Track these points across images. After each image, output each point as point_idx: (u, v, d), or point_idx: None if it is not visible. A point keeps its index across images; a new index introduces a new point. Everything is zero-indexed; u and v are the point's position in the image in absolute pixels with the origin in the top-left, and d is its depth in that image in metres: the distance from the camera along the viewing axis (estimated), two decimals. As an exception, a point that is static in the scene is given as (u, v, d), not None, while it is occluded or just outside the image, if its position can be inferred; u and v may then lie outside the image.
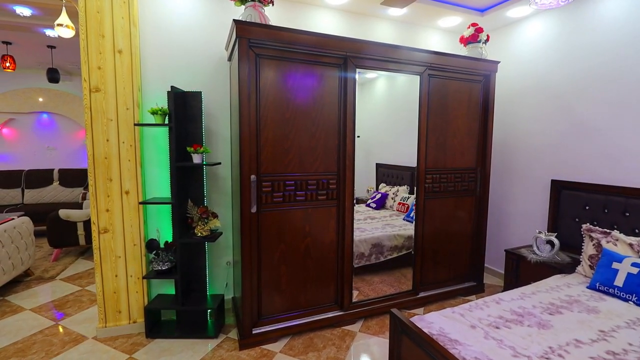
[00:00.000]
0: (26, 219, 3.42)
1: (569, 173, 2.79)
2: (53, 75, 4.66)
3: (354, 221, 3.70)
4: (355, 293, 2.86)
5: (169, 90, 2.21)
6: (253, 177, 2.11)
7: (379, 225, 3.47)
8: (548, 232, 2.80)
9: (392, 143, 3.86)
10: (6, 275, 2.98)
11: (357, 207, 4.07)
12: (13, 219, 3.24)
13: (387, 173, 4.05)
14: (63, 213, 3.75)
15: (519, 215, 3.24)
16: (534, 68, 3.04)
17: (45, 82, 4.94)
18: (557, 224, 2.83)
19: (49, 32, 3.58)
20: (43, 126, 6.01)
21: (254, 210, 2.13)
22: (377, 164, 4.19)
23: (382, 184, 4.10)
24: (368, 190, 4.38)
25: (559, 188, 2.83)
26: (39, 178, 5.31)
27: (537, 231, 2.76)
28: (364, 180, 4.24)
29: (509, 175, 3.32)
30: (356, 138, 4.16)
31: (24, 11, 3.12)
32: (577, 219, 2.69)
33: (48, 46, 4.42)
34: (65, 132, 6.13)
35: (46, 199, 5.26)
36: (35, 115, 5.95)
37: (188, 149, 2.25)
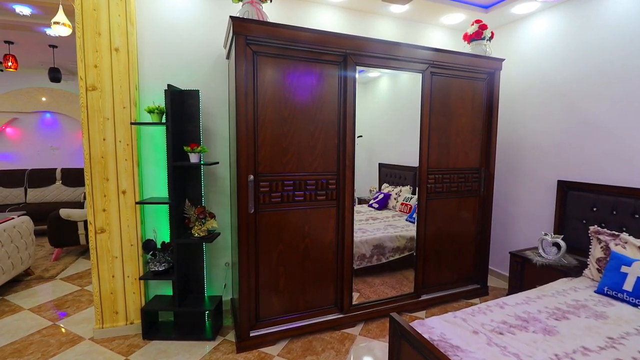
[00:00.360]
0: (26, 218, 3.42)
1: (575, 173, 2.71)
2: (55, 75, 4.66)
3: (356, 222, 3.64)
4: (355, 295, 2.82)
5: (166, 88, 2.18)
6: (251, 177, 2.07)
7: (381, 226, 3.43)
8: (554, 234, 2.73)
9: (395, 143, 3.82)
10: (5, 275, 2.98)
11: (359, 208, 4.06)
12: (13, 218, 3.24)
13: (390, 173, 4.01)
14: (64, 212, 3.75)
15: (524, 217, 3.17)
16: (539, 66, 2.97)
17: (48, 81, 4.95)
18: (564, 226, 2.76)
19: (49, 32, 3.57)
20: (46, 126, 6.03)
21: (251, 210, 2.09)
22: (379, 163, 4.15)
23: (385, 184, 4.06)
24: (370, 191, 4.34)
25: (565, 189, 2.76)
26: (42, 177, 5.33)
27: (543, 233, 2.70)
28: (366, 180, 4.20)
29: (513, 175, 3.25)
30: (358, 138, 4.12)
31: (23, 10, 3.11)
32: (584, 221, 2.61)
33: (50, 45, 4.43)
34: (68, 131, 6.15)
35: (49, 199, 5.27)
36: (39, 114, 5.97)
37: (185, 148, 2.22)
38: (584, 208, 2.62)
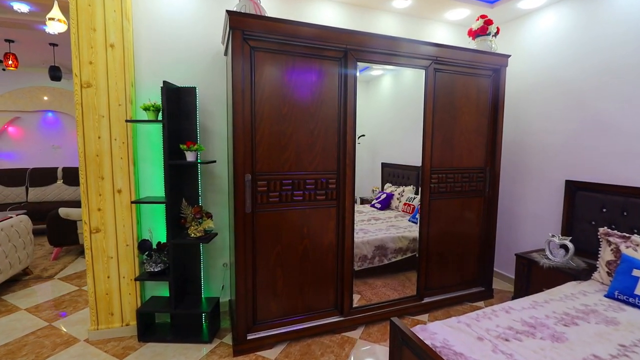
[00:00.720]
0: (24, 217, 3.39)
1: (584, 173, 2.63)
2: (55, 73, 4.64)
3: (357, 222, 3.56)
4: (356, 297, 2.75)
5: (162, 85, 2.13)
6: (248, 176, 2.01)
7: (383, 226, 3.37)
8: (562, 235, 2.65)
9: (398, 142, 3.78)
10: (3, 274, 2.95)
11: (361, 208, 4.01)
12: (11, 217, 3.21)
13: (392, 173, 3.96)
14: (63, 211, 3.72)
15: (530, 218, 3.08)
16: (547, 62, 2.88)
17: (49, 80, 4.93)
18: (572, 228, 2.68)
19: (47, 29, 3.54)
20: (48, 124, 6.03)
21: (248, 210, 2.03)
22: (382, 163, 4.10)
23: (388, 184, 4.01)
24: (373, 191, 4.29)
25: (573, 189, 2.67)
26: (43, 176, 5.32)
27: (550, 234, 2.61)
28: (369, 180, 4.16)
29: (520, 175, 3.16)
30: (361, 137, 4.07)
31: (21, 7, 3.08)
32: (593, 222, 2.53)
33: (50, 44, 4.40)
34: (70, 130, 6.14)
35: (50, 197, 5.26)
36: (41, 113, 5.97)
37: (181, 146, 2.17)
38: (593, 209, 2.53)
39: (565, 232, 2.70)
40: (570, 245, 2.46)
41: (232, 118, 1.95)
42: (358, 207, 4.07)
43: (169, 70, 2.38)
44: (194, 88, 2.33)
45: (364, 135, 4.15)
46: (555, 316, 1.79)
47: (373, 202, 4.05)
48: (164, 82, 2.13)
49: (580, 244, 2.56)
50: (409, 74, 3.38)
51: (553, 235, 2.59)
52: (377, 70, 3.98)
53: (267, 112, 2.05)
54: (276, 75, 2.05)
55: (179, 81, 2.38)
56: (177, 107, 2.30)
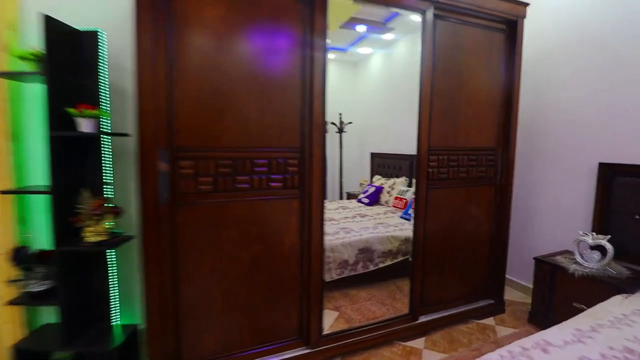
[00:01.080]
0: None
1: (624, 154, 2.06)
2: None
3: (339, 219, 3.10)
4: (333, 315, 2.16)
5: (44, 21, 1.44)
6: (163, 152, 1.36)
7: (370, 224, 2.84)
8: (593, 232, 2.07)
9: (389, 128, 3.34)
10: None
11: (346, 203, 3.54)
12: None
13: (383, 163, 3.58)
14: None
15: (552, 211, 2.49)
16: (574, 14, 2.31)
17: None
18: (608, 224, 2.11)
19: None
20: None
21: (164, 202, 1.38)
22: (371, 153, 3.67)
23: (378, 176, 3.60)
24: (361, 184, 3.90)
25: (610, 174, 2.10)
26: None
27: (581, 232, 2.05)
28: (357, 172, 3.76)
29: (540, 158, 2.56)
30: (348, 124, 3.67)
31: None
32: (637, 216, 1.96)
33: None
34: None
35: None
36: None
37: (69, 110, 1.49)
38: (637, 199, 1.97)
39: (597, 228, 2.13)
40: (609, 247, 1.90)
41: (135, 63, 1.29)
42: (344, 202, 3.62)
43: (70, 7, 1.70)
44: (96, 32, 1.64)
45: (351, 123, 3.69)
46: (614, 356, 1.20)
47: (360, 197, 3.56)
48: (46, 17, 1.44)
49: (620, 245, 1.99)
50: (402, 50, 3.05)
51: (585, 234, 2.02)
52: (365, 48, 3.57)
53: (193, 60, 1.40)
54: (207, 6, 1.40)
55: (85, 24, 1.69)
56: (74, 58, 1.63)
